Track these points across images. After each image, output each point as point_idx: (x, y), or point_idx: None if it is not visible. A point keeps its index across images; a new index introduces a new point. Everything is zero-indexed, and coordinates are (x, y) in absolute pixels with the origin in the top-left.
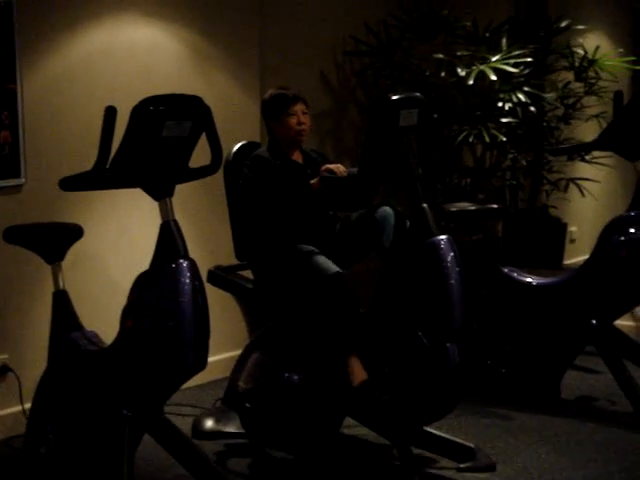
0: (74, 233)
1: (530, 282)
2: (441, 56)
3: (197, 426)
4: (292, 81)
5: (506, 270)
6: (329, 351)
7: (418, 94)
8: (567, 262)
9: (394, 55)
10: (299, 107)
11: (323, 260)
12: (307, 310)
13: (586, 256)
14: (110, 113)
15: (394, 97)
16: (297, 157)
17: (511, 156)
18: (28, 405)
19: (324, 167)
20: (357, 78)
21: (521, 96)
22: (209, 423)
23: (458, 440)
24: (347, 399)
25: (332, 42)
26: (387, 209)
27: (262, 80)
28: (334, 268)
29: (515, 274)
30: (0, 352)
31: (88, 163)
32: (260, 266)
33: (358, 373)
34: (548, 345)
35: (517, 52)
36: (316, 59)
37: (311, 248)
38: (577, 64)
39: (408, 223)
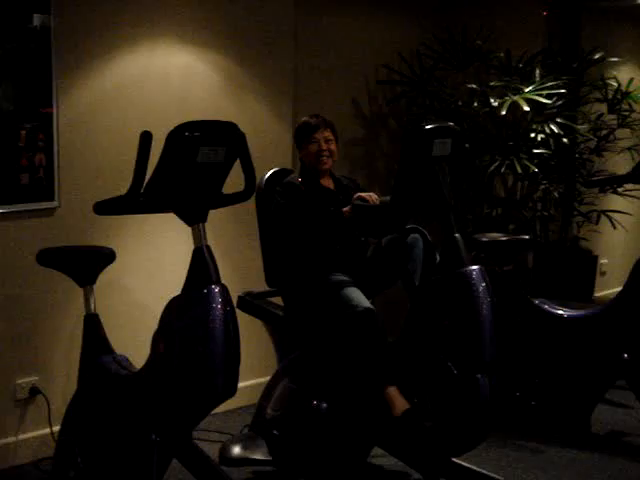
0: (106, 257)
1: (561, 314)
2: (474, 86)
3: (224, 452)
4: (325, 109)
5: (537, 302)
6: (357, 381)
7: (451, 124)
8: (597, 295)
9: (427, 84)
10: (321, 134)
11: (355, 293)
12: (336, 341)
13: (617, 289)
14: (145, 138)
15: (428, 126)
16: (328, 183)
17: (543, 187)
18: (57, 428)
19: (357, 195)
20: (389, 107)
21: (554, 127)
22: (236, 450)
23: (487, 472)
24: (387, 429)
25: (365, 71)
26: (416, 236)
27: (295, 107)
28: (365, 303)
29: (546, 306)
30: (30, 374)
31: (121, 187)
32: (290, 293)
33: (399, 403)
34: (579, 378)
35: (550, 83)
36: (349, 87)
37: (342, 278)
38: (610, 96)
39: (437, 255)
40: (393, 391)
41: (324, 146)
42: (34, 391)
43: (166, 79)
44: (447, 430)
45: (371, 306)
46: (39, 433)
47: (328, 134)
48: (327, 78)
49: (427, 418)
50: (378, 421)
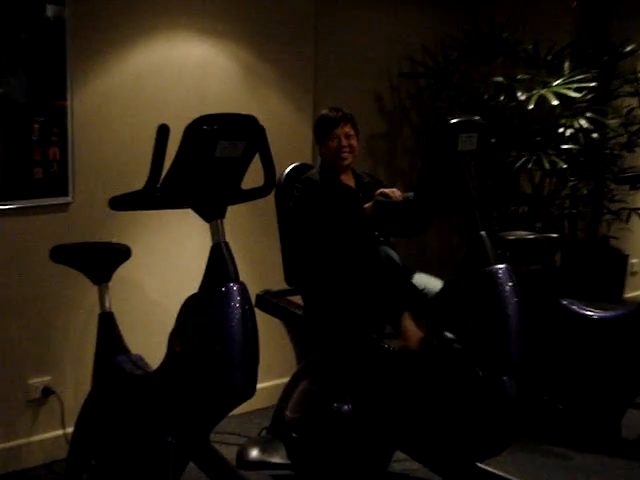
0: (122, 254)
1: (590, 315)
2: (500, 79)
3: (242, 455)
4: (346, 102)
5: (565, 302)
6: (378, 381)
7: (477, 118)
8: (628, 295)
9: (451, 77)
10: (342, 130)
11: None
12: (357, 341)
13: None
14: (163, 132)
15: (453, 120)
16: (349, 180)
17: (571, 184)
18: (70, 429)
19: (379, 191)
20: (412, 100)
21: (583, 122)
22: (254, 453)
23: (513, 478)
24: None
25: (388, 63)
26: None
27: (316, 101)
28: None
29: (574, 307)
30: (43, 374)
31: (137, 182)
32: (310, 292)
33: (413, 332)
34: (608, 382)
35: (580, 77)
36: (371, 80)
37: (370, 279)
38: None
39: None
40: (407, 320)
41: (344, 142)
42: (47, 391)
43: (184, 71)
44: (472, 434)
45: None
46: (52, 434)
47: (349, 129)
48: (348, 71)
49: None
50: (401, 424)
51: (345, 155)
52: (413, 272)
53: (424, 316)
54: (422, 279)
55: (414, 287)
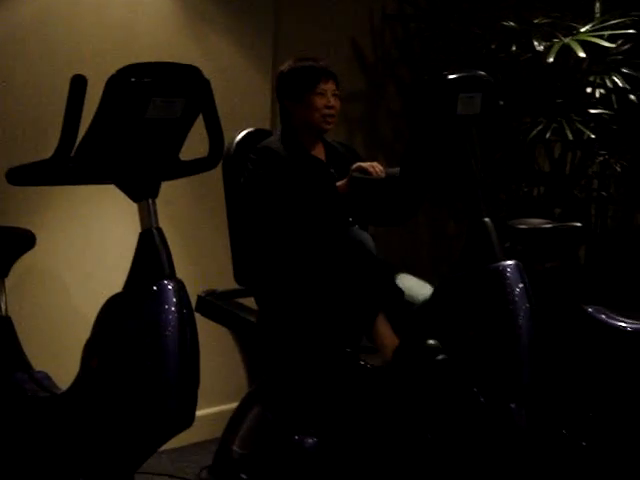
0: (23, 241)
1: (623, 327)
2: (512, 24)
3: None
4: (314, 52)
5: (591, 310)
6: (353, 408)
7: (482, 73)
8: None
9: (450, 21)
10: (330, 85)
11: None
12: (325, 356)
13: None
14: (77, 85)
15: (451, 76)
16: (318, 151)
17: (601, 159)
18: None
19: (355, 165)
20: (399, 50)
21: (617, 80)
22: None
23: None
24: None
25: (368, 3)
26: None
27: (276, 50)
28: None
29: (603, 316)
30: None
31: (44, 150)
32: (266, 293)
33: (388, 339)
34: None
35: (614, 21)
36: (347, 24)
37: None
38: None
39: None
40: (381, 323)
41: (332, 101)
42: None
43: (104, 9)
44: (473, 474)
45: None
46: None
47: (334, 86)
48: (318, 13)
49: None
50: (380, 462)
51: (332, 119)
52: (395, 272)
53: (405, 327)
54: (407, 282)
55: (393, 283)
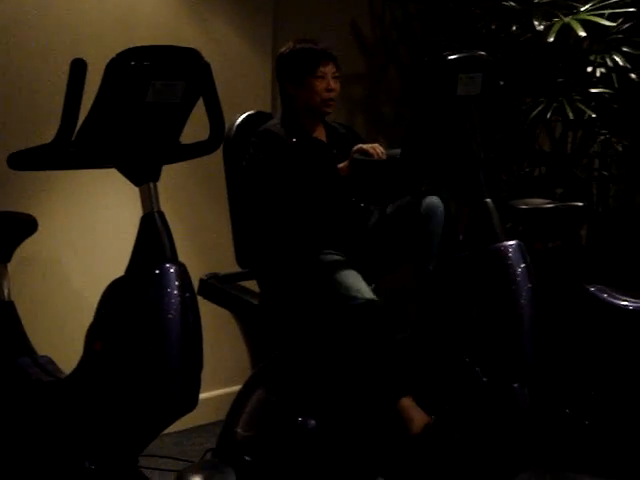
0: (25, 226)
1: (625, 306)
2: (512, 4)
3: None
4: (314, 34)
5: (593, 289)
6: (356, 392)
7: (482, 53)
8: None
9: (449, 1)
10: (330, 68)
11: (353, 278)
12: (328, 337)
13: None
14: (77, 68)
15: (451, 57)
16: (319, 133)
17: (602, 138)
18: None
19: (357, 147)
20: (399, 32)
21: (618, 59)
22: None
23: None
24: (401, 453)
25: None
26: (435, 200)
27: (276, 32)
28: (366, 293)
29: (605, 295)
30: None
31: (45, 135)
32: (268, 276)
33: (418, 417)
34: None
35: (614, 0)
36: (346, 6)
37: (337, 258)
38: None
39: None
40: (408, 403)
41: (332, 83)
42: None
43: None
44: (475, 457)
45: (374, 296)
46: None
47: (334, 69)
48: None
49: (454, 429)
50: (383, 443)
51: (332, 102)
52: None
53: None
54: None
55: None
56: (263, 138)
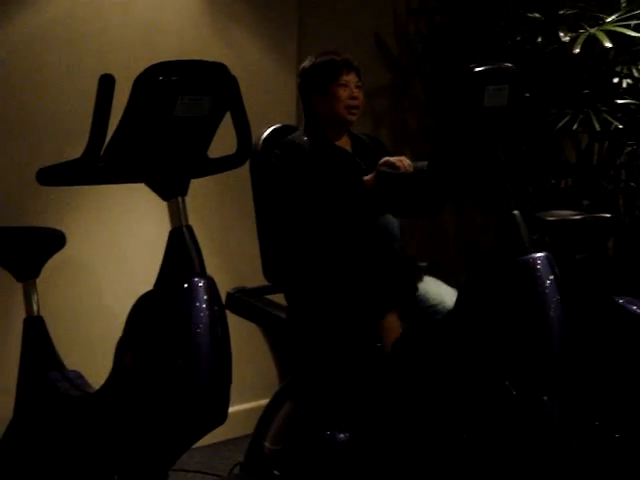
0: (54, 241)
1: None
2: (537, 15)
3: None
4: (339, 48)
5: (622, 301)
6: (386, 404)
7: (509, 65)
8: None
9: (475, 14)
10: (352, 77)
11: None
12: (356, 350)
13: None
14: (106, 84)
15: (477, 69)
16: (344, 143)
17: (629, 149)
18: None
19: (383, 160)
20: (424, 44)
21: None
22: None
23: None
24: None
25: None
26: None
27: (300, 47)
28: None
29: (633, 307)
30: None
31: (73, 151)
32: (296, 289)
33: (393, 328)
34: None
35: None
36: (370, 19)
37: (365, 270)
38: None
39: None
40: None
41: (356, 92)
42: None
43: (130, 7)
44: (504, 470)
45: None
46: None
47: (356, 78)
48: (343, 7)
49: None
50: (412, 456)
51: (356, 110)
52: (416, 267)
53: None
54: (432, 287)
55: (407, 279)
56: (286, 149)
